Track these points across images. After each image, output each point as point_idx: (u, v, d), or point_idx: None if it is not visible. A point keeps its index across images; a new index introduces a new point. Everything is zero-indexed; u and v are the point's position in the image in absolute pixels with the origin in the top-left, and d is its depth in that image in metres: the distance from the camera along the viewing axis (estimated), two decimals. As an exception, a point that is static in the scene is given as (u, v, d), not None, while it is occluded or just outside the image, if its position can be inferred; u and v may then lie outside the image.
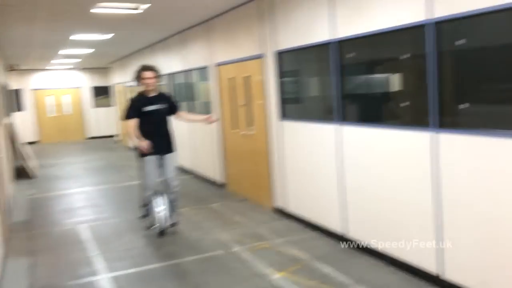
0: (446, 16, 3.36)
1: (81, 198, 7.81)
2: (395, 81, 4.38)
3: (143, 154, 5.15)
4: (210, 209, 6.54)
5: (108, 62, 15.87)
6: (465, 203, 3.40)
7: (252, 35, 6.20)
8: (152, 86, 5.21)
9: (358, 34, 4.26)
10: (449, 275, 3.60)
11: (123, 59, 14.32)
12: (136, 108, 5.15)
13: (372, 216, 4.36)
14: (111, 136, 17.69)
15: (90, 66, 17.27)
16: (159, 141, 5.18)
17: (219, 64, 7.41)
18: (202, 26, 7.86)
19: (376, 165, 4.24)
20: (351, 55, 4.54)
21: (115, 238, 5.48)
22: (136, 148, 5.25)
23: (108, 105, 17.93)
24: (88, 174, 10.31)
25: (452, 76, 3.57)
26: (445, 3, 3.36)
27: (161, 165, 5.30)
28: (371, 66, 4.68)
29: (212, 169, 8.13)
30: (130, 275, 4.36)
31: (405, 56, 4.03)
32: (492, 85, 3.37)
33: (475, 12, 3.13)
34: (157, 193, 5.31)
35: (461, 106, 3.51)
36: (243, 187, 7.12)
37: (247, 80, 6.60)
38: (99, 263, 4.70)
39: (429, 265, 3.78)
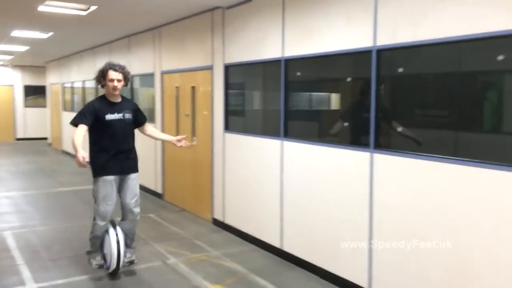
0: (387, 44, 3.58)
1: (7, 204, 7.31)
2: (337, 101, 4.56)
3: (97, 172, 4.20)
4: (146, 219, 6.36)
5: (45, 61, 15.13)
6: (393, 220, 3.59)
7: (203, 46, 6.20)
8: (118, 90, 4.25)
9: (306, 54, 4.41)
10: (379, 290, 3.78)
11: (61, 59, 13.72)
12: (93, 114, 4.14)
13: (310, 230, 4.47)
14: (43, 139, 16.80)
15: (24, 64, 16.35)
16: (121, 158, 4.25)
17: (166, 72, 7.32)
18: (151, 33, 7.74)
19: (317, 181, 4.37)
20: (298, 73, 4.68)
21: (43, 247, 5.18)
22: (92, 168, 4.22)
23: (41, 106, 17.03)
24: (15, 178, 9.68)
25: (388, 100, 3.79)
26: (387, 32, 3.58)
27: (121, 188, 4.32)
28: (316, 86, 4.85)
29: (151, 178, 7.96)
30: (57, 287, 4.14)
31: (349, 79, 4.23)
32: (422, 111, 3.63)
33: (413, 44, 3.37)
34: (113, 223, 4.34)
35: (395, 129, 3.73)
36: (182, 197, 7.02)
37: (193, 90, 6.57)
38: (24, 273, 4.42)
39: (361, 280, 3.92)
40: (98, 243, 4.35)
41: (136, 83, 8.60)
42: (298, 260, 4.62)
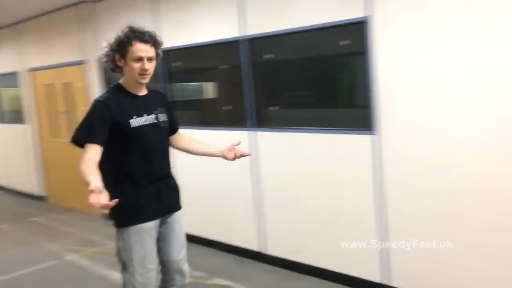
0: (255, 34, 4.07)
1: None
2: (218, 89, 4.96)
3: (125, 219, 2.49)
4: (32, 223, 6.14)
5: None
6: (278, 187, 4.16)
7: (70, 41, 6.08)
8: (148, 76, 2.52)
9: (183, 45, 4.71)
10: (270, 251, 4.31)
11: None
12: (108, 120, 2.38)
13: (205, 208, 4.83)
14: None
15: None
16: (160, 188, 2.59)
17: (33, 69, 6.98)
18: (11, 29, 7.26)
19: (206, 163, 4.72)
20: (177, 64, 4.96)
21: None
22: (111, 210, 2.29)
23: None
24: None
25: (263, 84, 4.31)
26: (255, 23, 4.07)
27: (161, 237, 2.64)
28: (198, 75, 5.18)
29: (28, 181, 7.55)
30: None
31: (225, 67, 4.65)
32: (292, 92, 4.21)
33: (277, 33, 3.90)
34: None
35: (271, 109, 4.28)
36: (68, 197, 6.86)
37: (67, 86, 6.42)
38: None
39: (252, 244, 4.43)
40: None
41: (-2, 83, 8.01)
42: (198, 238, 4.95)
